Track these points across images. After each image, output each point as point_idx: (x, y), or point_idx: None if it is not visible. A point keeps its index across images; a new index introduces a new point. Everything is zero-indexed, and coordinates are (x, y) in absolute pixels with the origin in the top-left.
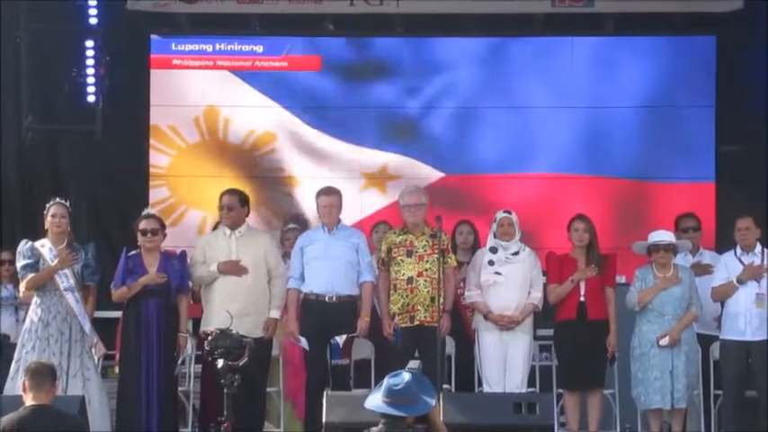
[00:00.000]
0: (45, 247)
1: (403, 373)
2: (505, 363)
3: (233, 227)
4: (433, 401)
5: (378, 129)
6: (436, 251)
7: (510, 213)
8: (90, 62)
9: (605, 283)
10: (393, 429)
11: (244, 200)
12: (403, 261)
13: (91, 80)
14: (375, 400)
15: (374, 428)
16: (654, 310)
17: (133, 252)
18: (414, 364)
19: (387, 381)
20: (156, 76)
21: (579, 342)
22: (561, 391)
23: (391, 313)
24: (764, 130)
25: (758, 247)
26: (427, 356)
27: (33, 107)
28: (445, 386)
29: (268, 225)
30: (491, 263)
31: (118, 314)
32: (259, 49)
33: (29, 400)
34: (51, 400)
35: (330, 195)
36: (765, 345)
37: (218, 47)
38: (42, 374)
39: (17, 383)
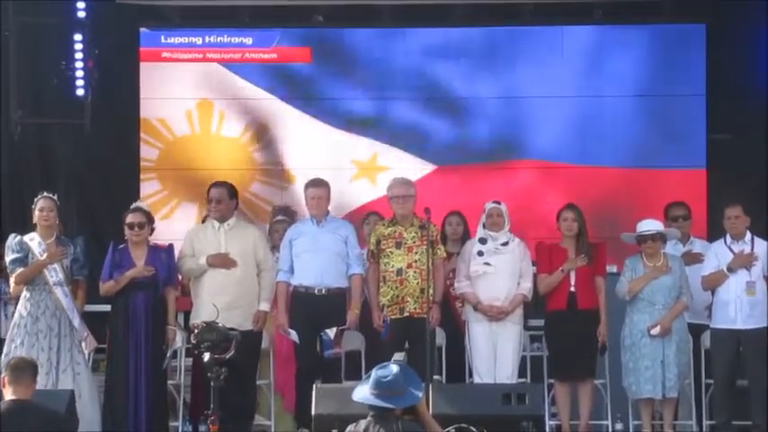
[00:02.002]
0: (34, 241)
1: (390, 365)
2: (495, 353)
3: (221, 219)
4: (420, 394)
5: (368, 120)
6: (425, 242)
7: (499, 204)
8: (79, 55)
9: (595, 272)
10: (381, 421)
11: (232, 192)
12: (392, 253)
13: (80, 73)
14: (363, 392)
15: (362, 420)
16: (644, 300)
17: (121, 246)
18: (399, 356)
19: (375, 373)
20: (146, 69)
21: (570, 332)
22: (552, 381)
23: (381, 305)
24: (756, 117)
25: (748, 235)
26: (417, 348)
27: (22, 101)
28: (435, 377)
29: (257, 217)
30: (480, 253)
31: (108, 308)
32: (248, 41)
33: (8, 395)
34: (32, 395)
35: (318, 187)
36: (756, 333)
37: (207, 39)
38: (21, 369)
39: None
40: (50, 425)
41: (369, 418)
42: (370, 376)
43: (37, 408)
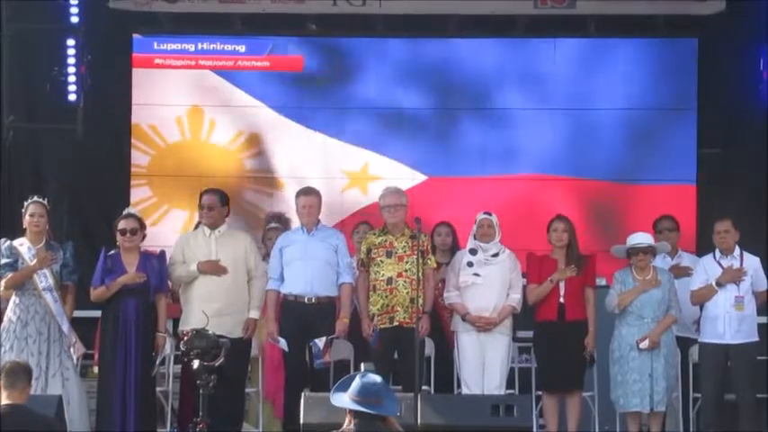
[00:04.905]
0: (24, 246)
1: (370, 374)
2: (484, 364)
3: (213, 226)
4: (397, 406)
5: (360, 130)
6: (416, 252)
7: (490, 215)
8: (71, 61)
9: (585, 283)
10: (366, 427)
11: (224, 199)
12: (383, 262)
13: (72, 79)
14: (343, 399)
15: (344, 428)
16: (633, 313)
17: (112, 251)
18: (369, 366)
19: (359, 380)
20: (138, 76)
21: (558, 343)
22: (540, 392)
23: (371, 314)
24: (747, 132)
25: (737, 250)
26: (406, 358)
27: (14, 106)
28: (424, 387)
29: (248, 225)
30: (470, 264)
31: (97, 313)
32: (241, 48)
33: (3, 399)
34: (26, 400)
35: (309, 196)
36: (744, 347)
37: (200, 46)
38: (16, 374)
39: None
40: (44, 429)
41: (352, 425)
42: (347, 384)
43: (31, 413)
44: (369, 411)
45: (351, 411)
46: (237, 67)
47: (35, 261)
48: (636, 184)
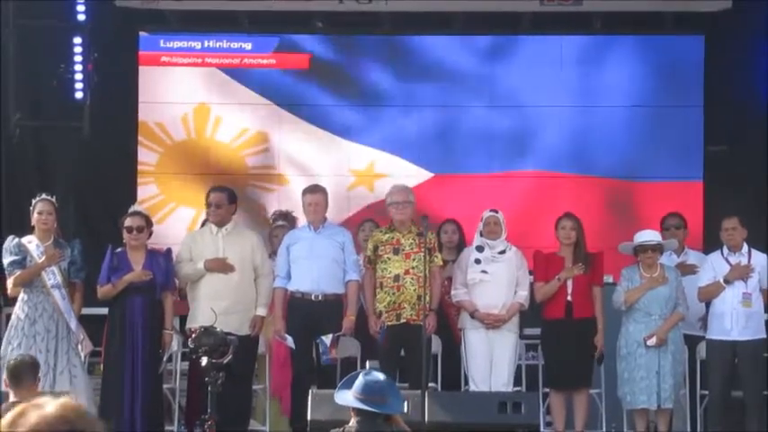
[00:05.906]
0: (32, 243)
1: (375, 372)
2: (491, 361)
3: (220, 224)
4: (403, 404)
5: (366, 127)
6: (423, 249)
7: (496, 212)
8: (78, 58)
9: (592, 281)
10: (368, 425)
11: (231, 197)
12: (390, 259)
13: (79, 76)
14: (347, 397)
15: (347, 425)
16: (640, 310)
17: (118, 249)
18: (373, 363)
19: (363, 378)
20: (145, 73)
21: (566, 341)
22: (548, 390)
23: (378, 311)
24: (754, 129)
25: (745, 247)
26: (413, 355)
27: (21, 103)
28: (431, 385)
29: (255, 223)
30: (477, 261)
31: (105, 311)
32: (248, 46)
33: (11, 397)
34: (35, 396)
35: (315, 193)
36: (751, 344)
37: (206, 44)
38: (21, 371)
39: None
40: None
41: (354, 423)
42: (351, 382)
43: None
44: (372, 410)
45: (354, 409)
46: (244, 64)
47: (43, 258)
48: (643, 182)
